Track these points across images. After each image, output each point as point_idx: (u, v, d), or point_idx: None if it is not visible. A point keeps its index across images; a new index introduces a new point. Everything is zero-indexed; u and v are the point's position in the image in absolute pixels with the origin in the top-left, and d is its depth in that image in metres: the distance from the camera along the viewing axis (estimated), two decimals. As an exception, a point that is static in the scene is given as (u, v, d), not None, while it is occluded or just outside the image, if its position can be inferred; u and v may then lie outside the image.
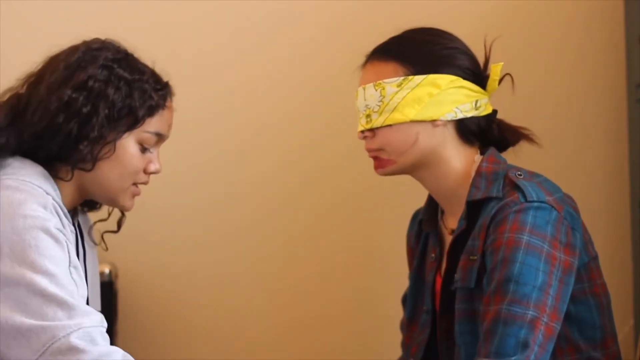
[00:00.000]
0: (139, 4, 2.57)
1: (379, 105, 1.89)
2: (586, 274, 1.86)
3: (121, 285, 2.48)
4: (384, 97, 1.88)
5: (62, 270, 1.62)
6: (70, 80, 1.76)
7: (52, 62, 1.80)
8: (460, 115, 1.89)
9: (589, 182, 2.57)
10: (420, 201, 2.09)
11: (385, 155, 1.91)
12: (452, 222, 1.94)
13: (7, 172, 1.70)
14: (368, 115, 1.90)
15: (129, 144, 1.79)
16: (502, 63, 1.93)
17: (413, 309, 2.03)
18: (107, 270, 2.37)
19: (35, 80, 1.79)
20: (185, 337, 2.62)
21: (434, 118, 1.88)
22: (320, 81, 2.59)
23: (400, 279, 2.19)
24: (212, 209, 2.61)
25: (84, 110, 1.74)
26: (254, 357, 2.62)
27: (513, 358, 1.69)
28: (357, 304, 2.62)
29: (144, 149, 1.81)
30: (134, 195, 1.84)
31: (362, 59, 1.96)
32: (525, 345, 1.70)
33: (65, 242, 1.66)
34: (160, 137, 1.84)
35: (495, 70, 1.93)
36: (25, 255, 1.60)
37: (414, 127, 1.88)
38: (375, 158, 1.93)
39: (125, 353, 1.63)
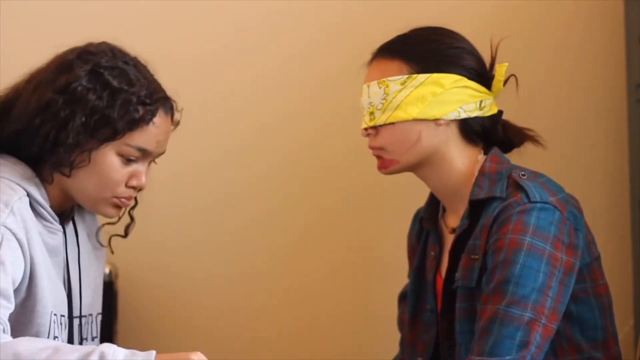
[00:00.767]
0: (139, 4, 2.57)
1: (383, 103, 1.89)
2: (588, 274, 1.86)
3: (121, 285, 2.48)
4: (387, 94, 1.88)
5: None
6: (54, 81, 1.73)
7: (51, 60, 1.78)
8: (463, 115, 1.89)
9: (589, 182, 2.57)
10: (421, 201, 2.09)
11: (388, 154, 1.91)
12: (453, 220, 1.94)
13: None
14: (371, 113, 1.90)
15: (107, 155, 1.73)
16: (507, 64, 1.93)
17: (415, 307, 2.03)
18: (107, 270, 2.37)
19: (31, 76, 1.78)
20: (185, 337, 2.62)
21: (437, 117, 1.88)
22: (321, 81, 2.59)
23: (401, 279, 2.19)
24: (213, 209, 2.61)
25: (62, 114, 1.70)
26: (254, 357, 2.61)
27: (507, 358, 1.69)
28: (358, 304, 2.61)
29: (127, 161, 1.75)
30: (117, 206, 1.79)
31: (363, 58, 1.97)
32: (521, 347, 1.71)
33: (16, 241, 1.65)
34: (146, 152, 1.77)
35: (500, 71, 1.93)
36: None
37: (417, 126, 1.89)
38: (379, 157, 1.93)
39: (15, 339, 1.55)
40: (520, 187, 1.83)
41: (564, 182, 1.96)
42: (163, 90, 1.80)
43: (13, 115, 1.73)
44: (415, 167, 1.92)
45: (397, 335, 2.18)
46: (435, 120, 1.88)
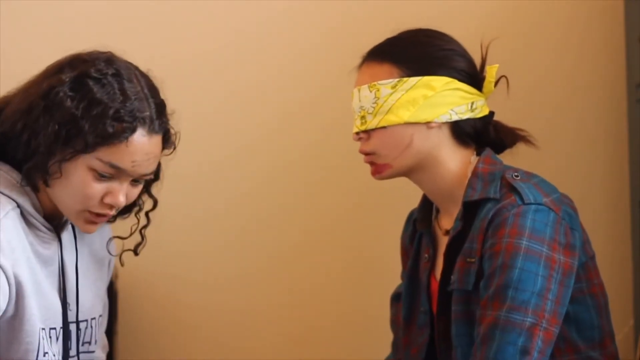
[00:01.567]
0: (140, 4, 2.57)
1: (374, 107, 1.88)
2: (584, 274, 1.86)
3: (121, 286, 2.48)
4: (378, 98, 1.88)
5: None
6: (40, 85, 1.69)
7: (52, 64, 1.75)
8: (455, 117, 1.89)
9: (589, 182, 2.57)
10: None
11: (380, 159, 1.91)
12: (447, 222, 1.93)
13: None
14: (363, 117, 1.90)
15: (78, 168, 1.67)
16: (498, 65, 1.92)
17: (409, 309, 2.02)
18: (107, 271, 2.37)
19: (26, 83, 1.75)
20: (185, 338, 2.62)
21: (429, 120, 1.87)
22: (322, 83, 2.58)
23: (400, 280, 2.19)
24: (212, 210, 2.60)
25: (41, 120, 1.66)
26: (254, 358, 2.61)
27: None
28: (358, 305, 2.61)
29: (101, 177, 1.68)
30: (91, 222, 1.73)
31: (359, 58, 1.96)
32: (523, 353, 1.71)
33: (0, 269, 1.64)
34: (120, 171, 1.69)
35: (490, 72, 1.92)
36: None
37: (409, 129, 1.88)
38: (372, 163, 1.92)
39: None
40: (513, 189, 1.82)
41: (564, 182, 1.96)
42: (151, 112, 1.71)
43: (2, 117, 1.71)
44: (408, 171, 1.91)
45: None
46: (427, 123, 1.88)
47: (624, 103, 2.54)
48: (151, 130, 1.70)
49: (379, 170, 1.92)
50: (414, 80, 1.87)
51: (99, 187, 1.69)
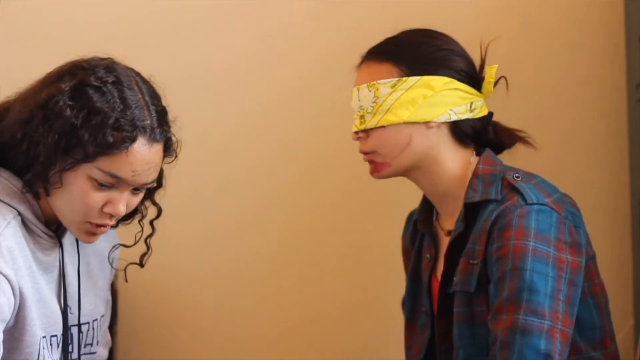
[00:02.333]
0: (144, 8, 2.57)
1: (373, 107, 1.88)
2: (585, 274, 1.86)
3: (121, 285, 2.48)
4: (377, 98, 1.88)
5: None
6: (40, 93, 1.67)
7: (51, 71, 1.72)
8: (454, 117, 1.89)
9: (589, 182, 2.57)
10: (417, 200, 2.09)
11: (380, 158, 1.91)
12: (448, 223, 1.93)
13: None
14: (362, 116, 1.90)
15: (78, 177, 1.65)
16: (497, 65, 1.92)
17: (411, 310, 2.02)
18: (107, 270, 2.37)
19: (25, 91, 1.73)
20: (185, 337, 2.62)
21: (428, 120, 1.87)
22: (318, 80, 2.59)
23: (399, 278, 2.19)
24: (212, 208, 2.61)
25: (40, 129, 1.64)
26: (254, 357, 2.61)
27: None
28: (357, 303, 2.61)
29: (101, 186, 1.66)
30: (91, 233, 1.71)
31: (359, 57, 1.96)
32: (547, 357, 1.71)
33: (7, 282, 1.64)
34: (120, 180, 1.66)
35: (490, 73, 1.92)
36: None
37: (408, 129, 1.88)
38: (371, 162, 1.93)
39: None
40: (515, 189, 1.83)
41: (564, 182, 1.96)
42: (153, 119, 1.69)
43: (2, 127, 1.69)
44: (407, 171, 1.92)
45: (397, 335, 2.18)
46: (426, 123, 1.88)
47: (624, 103, 2.54)
48: (152, 139, 1.68)
49: (377, 169, 1.92)
50: (413, 80, 1.87)
51: (99, 197, 1.67)
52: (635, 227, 2.50)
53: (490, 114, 1.95)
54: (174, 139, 1.75)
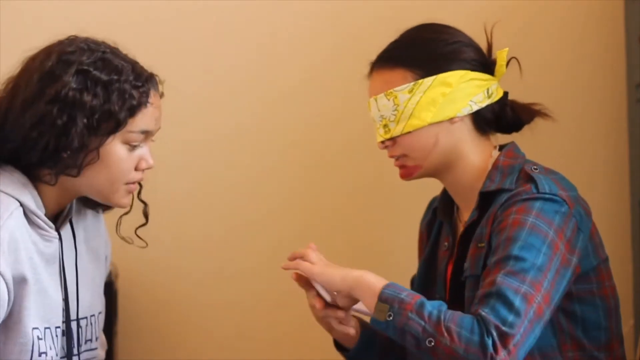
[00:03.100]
0: (141, 4, 2.57)
1: (395, 115, 1.88)
2: (595, 276, 1.86)
3: (121, 285, 2.48)
4: (397, 105, 1.88)
5: None
6: (43, 94, 1.71)
7: (28, 69, 1.76)
8: (475, 107, 1.89)
9: (589, 182, 2.56)
10: (422, 199, 2.09)
11: (410, 161, 1.91)
12: (466, 215, 1.94)
13: None
14: (385, 125, 1.90)
15: (114, 147, 1.74)
16: (507, 49, 1.93)
17: (423, 295, 2.03)
18: (107, 270, 2.37)
19: (12, 89, 1.75)
20: (185, 337, 2.62)
21: (451, 116, 1.88)
22: (322, 78, 2.59)
23: (402, 278, 2.19)
24: (213, 208, 2.60)
25: (59, 122, 1.69)
26: (254, 357, 2.61)
27: (503, 321, 1.66)
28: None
29: (133, 147, 1.76)
30: (129, 192, 1.80)
31: (366, 55, 1.96)
32: (517, 314, 1.68)
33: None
34: (148, 133, 1.79)
35: (501, 56, 1.93)
36: None
37: (433, 129, 1.88)
38: (402, 166, 1.93)
39: None
40: (531, 179, 1.83)
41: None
42: (145, 69, 1.79)
43: (6, 135, 1.72)
44: (437, 170, 1.92)
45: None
46: (450, 120, 1.88)
47: (624, 103, 2.54)
48: (156, 85, 1.80)
49: (410, 172, 1.93)
50: (429, 80, 1.88)
51: (133, 157, 1.77)
52: (635, 227, 2.50)
53: (506, 93, 1.95)
54: (158, 79, 1.83)
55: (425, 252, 2.05)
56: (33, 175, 1.75)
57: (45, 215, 1.77)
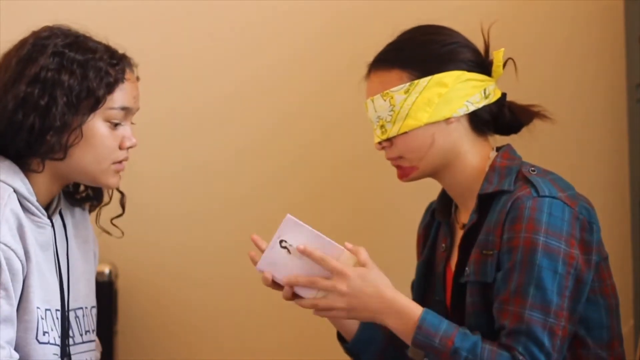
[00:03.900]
0: (143, 4, 2.57)
1: (391, 115, 1.89)
2: (596, 274, 1.87)
3: (121, 285, 2.48)
4: (394, 106, 1.88)
5: None
6: (23, 75, 1.76)
7: (5, 59, 1.80)
8: (472, 108, 1.90)
9: (589, 182, 2.56)
10: (426, 201, 2.09)
11: (407, 162, 1.92)
12: (464, 216, 1.95)
13: None
14: (382, 126, 1.91)
15: (96, 125, 1.78)
16: (504, 49, 1.93)
17: (422, 298, 2.03)
18: (107, 270, 2.37)
19: None
20: (185, 337, 2.62)
21: (447, 117, 1.89)
22: (324, 82, 2.59)
23: (403, 278, 2.19)
24: (213, 208, 2.61)
25: (42, 102, 1.74)
26: (254, 357, 2.61)
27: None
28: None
29: (114, 126, 1.80)
30: (117, 171, 1.83)
31: (367, 57, 1.96)
32: (547, 355, 1.75)
33: (13, 252, 1.69)
34: (128, 110, 1.83)
35: (497, 57, 1.93)
36: None
37: (429, 129, 1.89)
38: (398, 167, 1.93)
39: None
40: (528, 181, 1.84)
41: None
42: (117, 50, 1.84)
43: None
44: (434, 171, 1.93)
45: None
46: (446, 120, 1.89)
47: (624, 103, 2.54)
48: (130, 65, 1.85)
49: (406, 173, 1.93)
50: (425, 80, 1.88)
51: (116, 135, 1.81)
52: (635, 227, 2.50)
53: (504, 95, 1.96)
54: (132, 60, 1.88)
55: (423, 255, 2.06)
56: (21, 165, 1.78)
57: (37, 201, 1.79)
